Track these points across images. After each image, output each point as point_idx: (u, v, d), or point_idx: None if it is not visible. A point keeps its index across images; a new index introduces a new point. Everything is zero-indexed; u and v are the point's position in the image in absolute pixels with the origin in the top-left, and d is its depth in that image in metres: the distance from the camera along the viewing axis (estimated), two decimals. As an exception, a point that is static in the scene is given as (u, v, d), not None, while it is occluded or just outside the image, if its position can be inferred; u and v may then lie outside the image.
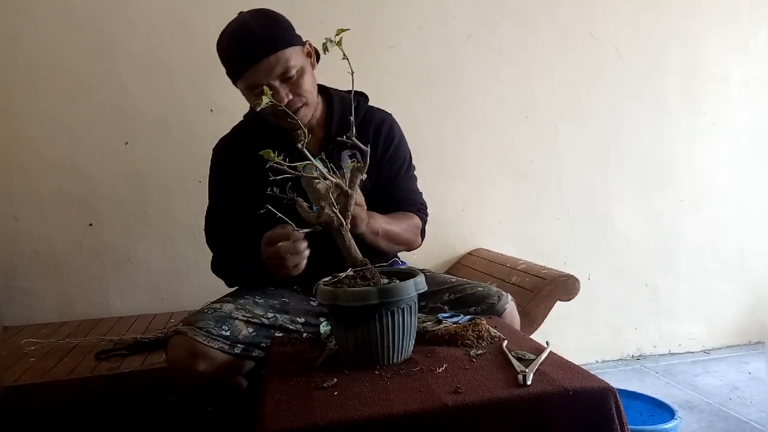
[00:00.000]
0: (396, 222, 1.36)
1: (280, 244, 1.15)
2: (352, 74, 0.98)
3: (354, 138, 1.01)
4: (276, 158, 0.96)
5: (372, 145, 1.37)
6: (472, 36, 2.45)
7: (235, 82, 1.32)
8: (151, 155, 2.17)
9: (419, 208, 1.49)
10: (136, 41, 2.14)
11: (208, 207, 1.45)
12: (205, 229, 1.45)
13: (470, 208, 2.52)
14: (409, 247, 1.47)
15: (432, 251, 2.47)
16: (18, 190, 2.10)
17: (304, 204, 1.01)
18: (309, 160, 0.98)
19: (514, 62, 2.50)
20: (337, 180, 0.99)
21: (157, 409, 1.45)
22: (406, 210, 1.45)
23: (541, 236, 2.58)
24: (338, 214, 1.00)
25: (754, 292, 2.85)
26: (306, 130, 1.01)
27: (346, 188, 1.01)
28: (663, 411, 1.66)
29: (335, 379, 0.94)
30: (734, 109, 2.77)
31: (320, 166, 0.98)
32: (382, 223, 1.30)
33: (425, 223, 1.50)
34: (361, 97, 1.46)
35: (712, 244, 2.79)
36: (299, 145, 0.99)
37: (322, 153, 1.10)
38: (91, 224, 2.15)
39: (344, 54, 0.95)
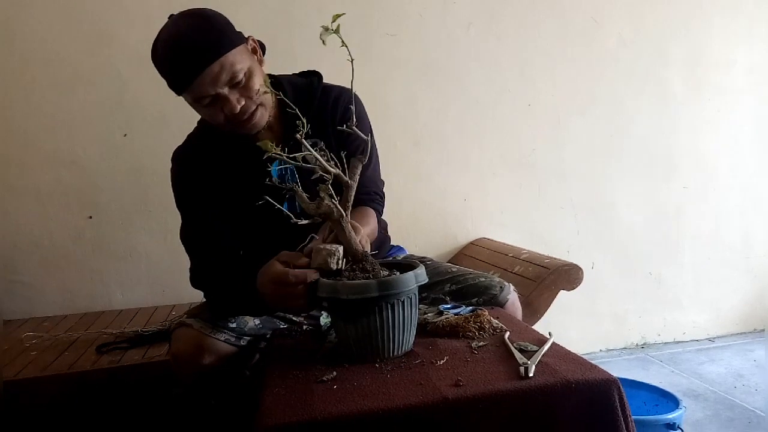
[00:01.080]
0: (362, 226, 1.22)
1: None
2: (351, 62, 0.94)
3: (354, 127, 0.98)
4: (274, 149, 0.94)
5: (330, 123, 1.29)
6: (473, 24, 2.42)
7: (179, 94, 1.20)
8: (150, 147, 2.16)
9: (374, 198, 1.38)
10: (134, 32, 2.12)
11: (182, 221, 1.31)
12: (185, 244, 1.30)
13: (472, 198, 2.50)
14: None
15: (434, 241, 2.46)
16: (17, 184, 2.09)
17: (304, 195, 0.99)
18: (309, 150, 0.96)
19: (516, 50, 2.47)
20: (337, 171, 0.97)
21: (161, 402, 1.44)
22: (360, 201, 1.31)
23: (544, 226, 2.57)
24: (338, 205, 0.98)
25: (758, 279, 2.83)
26: (304, 121, 0.97)
27: (347, 179, 0.99)
28: (667, 400, 1.66)
29: (335, 372, 0.93)
30: (738, 97, 2.74)
31: (318, 156, 0.96)
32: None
33: (381, 214, 1.41)
34: (314, 76, 1.37)
35: (716, 232, 2.77)
36: (298, 136, 0.96)
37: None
38: (90, 217, 2.14)
39: (342, 41, 0.92)
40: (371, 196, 1.38)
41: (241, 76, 1.15)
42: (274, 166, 1.25)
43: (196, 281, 1.26)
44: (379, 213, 1.39)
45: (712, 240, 2.77)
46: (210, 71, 1.12)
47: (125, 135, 2.15)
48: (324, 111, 1.31)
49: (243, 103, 1.18)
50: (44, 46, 2.07)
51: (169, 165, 2.13)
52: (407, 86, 2.37)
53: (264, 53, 1.30)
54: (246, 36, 1.23)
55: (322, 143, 1.27)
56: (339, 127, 1.04)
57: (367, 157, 1.01)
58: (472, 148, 2.47)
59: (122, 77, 2.13)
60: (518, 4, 2.45)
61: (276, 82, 1.32)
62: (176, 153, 1.34)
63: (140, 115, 2.15)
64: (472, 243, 2.49)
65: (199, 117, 1.35)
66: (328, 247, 0.99)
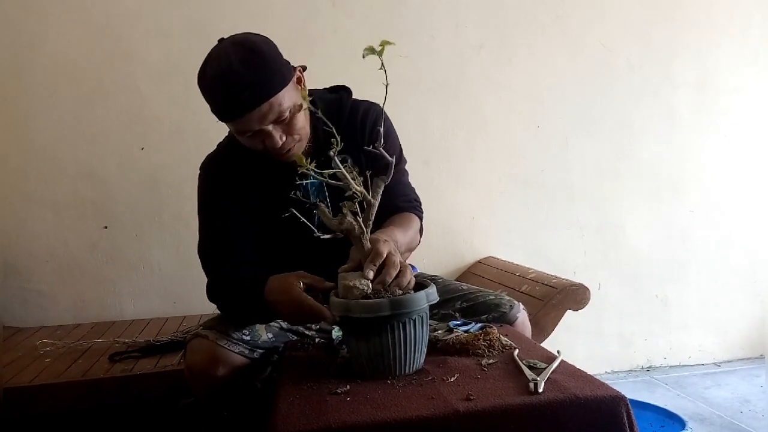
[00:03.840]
0: (405, 231, 1.29)
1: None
2: (386, 87, 0.97)
3: (381, 148, 1.00)
4: (307, 164, 0.97)
5: (359, 139, 1.31)
6: (483, 46, 2.47)
7: (222, 121, 1.22)
8: (166, 161, 2.21)
9: (414, 206, 1.41)
10: (153, 49, 2.18)
11: (202, 233, 1.32)
12: (202, 255, 1.31)
13: (480, 217, 2.52)
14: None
15: (442, 259, 2.48)
16: (35, 194, 2.13)
17: (326, 209, 1.02)
18: (339, 168, 0.98)
19: (526, 72, 2.52)
20: (362, 189, 1.00)
21: (170, 411, 1.46)
22: (402, 208, 1.37)
23: (551, 246, 2.58)
24: (360, 222, 1.01)
25: (765, 305, 2.83)
26: (338, 139, 0.99)
27: (370, 198, 1.02)
28: (673, 422, 1.66)
29: (348, 386, 0.95)
30: (746, 121, 2.76)
31: (346, 174, 0.99)
32: (400, 238, 1.22)
33: (422, 220, 1.43)
34: (344, 92, 1.39)
35: (723, 255, 2.77)
36: (331, 153, 0.98)
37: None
38: (106, 227, 2.18)
39: (383, 64, 0.95)
40: (412, 203, 1.40)
41: (286, 114, 1.17)
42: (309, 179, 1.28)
43: (212, 295, 1.29)
44: (421, 218, 1.41)
45: (718, 264, 2.77)
46: (258, 111, 1.14)
47: (142, 148, 2.20)
48: (353, 127, 1.33)
49: (285, 139, 1.20)
50: (66, 61, 2.13)
51: (184, 179, 2.21)
52: (418, 106, 2.41)
53: (304, 70, 1.31)
54: (293, 67, 1.24)
55: (350, 160, 1.28)
56: (366, 147, 1.05)
57: (390, 175, 1.02)
58: (481, 168, 2.51)
59: (141, 92, 2.18)
60: (529, 28, 2.50)
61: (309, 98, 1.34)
62: (206, 162, 1.36)
63: (157, 129, 2.20)
64: (479, 261, 2.51)
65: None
66: (359, 285, 1.00)
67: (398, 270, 1.02)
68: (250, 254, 1.28)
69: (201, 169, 1.35)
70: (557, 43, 2.54)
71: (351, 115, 1.34)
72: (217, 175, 1.32)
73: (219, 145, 1.39)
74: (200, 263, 1.31)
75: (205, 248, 1.31)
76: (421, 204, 1.45)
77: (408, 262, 1.58)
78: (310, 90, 1.36)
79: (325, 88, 1.42)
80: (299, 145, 1.24)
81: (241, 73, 1.11)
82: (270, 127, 1.17)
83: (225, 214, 1.29)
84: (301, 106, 1.19)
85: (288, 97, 1.17)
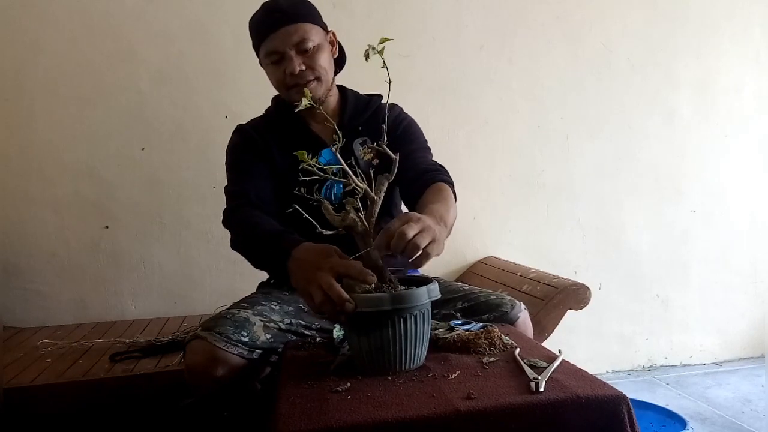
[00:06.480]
0: (446, 205, 1.22)
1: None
2: (389, 84, 1.02)
3: (385, 146, 1.02)
4: (309, 160, 0.98)
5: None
6: (484, 46, 2.47)
7: (258, 53, 1.40)
8: (167, 161, 2.21)
9: (441, 170, 1.39)
10: (154, 49, 2.18)
11: (229, 183, 1.40)
12: (227, 190, 1.39)
13: (481, 217, 2.52)
14: None
15: (443, 259, 2.47)
16: (37, 194, 2.13)
17: (329, 206, 1.02)
18: (341, 163, 0.99)
19: (527, 72, 2.52)
20: (365, 186, 1.00)
21: (171, 411, 1.46)
22: (429, 170, 1.36)
23: (552, 246, 2.58)
24: (363, 218, 1.01)
25: (766, 304, 2.83)
26: (340, 135, 1.02)
27: (372, 194, 1.02)
28: (674, 421, 1.66)
29: (349, 384, 0.95)
30: (746, 121, 2.76)
31: (348, 171, 0.99)
32: (444, 214, 1.16)
33: (453, 186, 1.37)
34: (375, 96, 1.54)
35: (724, 255, 2.78)
36: (332, 149, 1.01)
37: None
38: (107, 227, 2.18)
39: (384, 62, 0.98)
40: (438, 168, 1.40)
41: (309, 45, 1.33)
42: (324, 154, 1.37)
43: (228, 221, 1.35)
44: (452, 184, 1.36)
45: (719, 264, 2.77)
46: (285, 31, 1.31)
47: (143, 148, 2.20)
48: (376, 120, 1.47)
49: (303, 68, 1.33)
50: (68, 61, 2.13)
51: (185, 179, 2.23)
52: (419, 106, 2.38)
53: (341, 57, 1.48)
54: (329, 29, 1.43)
55: (369, 141, 1.43)
56: (370, 145, 1.17)
57: (394, 172, 1.03)
58: (482, 168, 2.51)
59: (142, 92, 2.18)
60: (530, 28, 2.51)
61: (342, 88, 1.51)
62: (239, 126, 1.49)
63: (158, 129, 2.20)
64: (480, 261, 2.51)
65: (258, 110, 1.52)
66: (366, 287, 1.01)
67: (407, 241, 0.96)
68: (273, 206, 1.35)
69: (234, 132, 1.48)
70: (558, 43, 2.54)
71: (377, 110, 1.49)
72: (249, 135, 1.44)
73: (254, 118, 1.51)
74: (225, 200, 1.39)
75: (228, 186, 1.40)
76: (448, 172, 1.40)
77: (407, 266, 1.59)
78: (346, 88, 1.52)
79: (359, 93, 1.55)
80: (317, 85, 1.37)
81: (281, 3, 1.34)
82: (292, 53, 1.32)
83: (251, 163, 1.40)
84: (323, 47, 1.36)
85: (315, 34, 1.34)
